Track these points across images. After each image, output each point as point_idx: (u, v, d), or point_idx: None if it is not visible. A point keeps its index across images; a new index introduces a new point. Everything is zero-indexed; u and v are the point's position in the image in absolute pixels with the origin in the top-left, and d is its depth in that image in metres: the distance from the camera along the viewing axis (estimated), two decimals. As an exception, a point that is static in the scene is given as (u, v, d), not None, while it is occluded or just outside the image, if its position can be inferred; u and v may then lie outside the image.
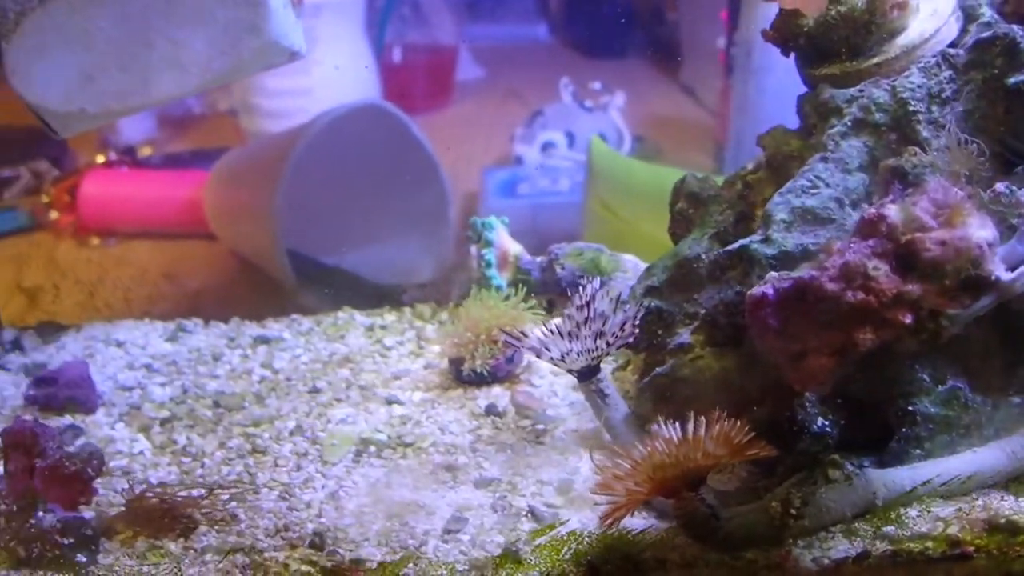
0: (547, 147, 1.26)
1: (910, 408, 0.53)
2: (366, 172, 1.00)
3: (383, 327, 0.76)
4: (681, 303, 0.60)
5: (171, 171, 1.19)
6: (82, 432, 0.63)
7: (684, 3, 1.63)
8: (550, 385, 0.67)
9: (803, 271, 0.47)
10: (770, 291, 0.47)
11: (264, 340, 0.74)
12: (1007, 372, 0.53)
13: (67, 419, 0.64)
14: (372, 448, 0.60)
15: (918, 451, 0.53)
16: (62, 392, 0.65)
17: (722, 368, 0.57)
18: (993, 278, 0.44)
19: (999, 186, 0.47)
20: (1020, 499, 0.52)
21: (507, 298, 0.69)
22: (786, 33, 0.58)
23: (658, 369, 0.59)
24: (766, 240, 0.54)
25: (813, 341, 0.46)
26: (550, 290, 0.75)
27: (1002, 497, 0.52)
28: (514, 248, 0.75)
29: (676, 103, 1.47)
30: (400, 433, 0.62)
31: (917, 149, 0.51)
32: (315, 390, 0.67)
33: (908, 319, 0.45)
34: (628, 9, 1.76)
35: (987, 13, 0.57)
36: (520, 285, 0.71)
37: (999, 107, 0.54)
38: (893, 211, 0.45)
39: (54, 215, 1.11)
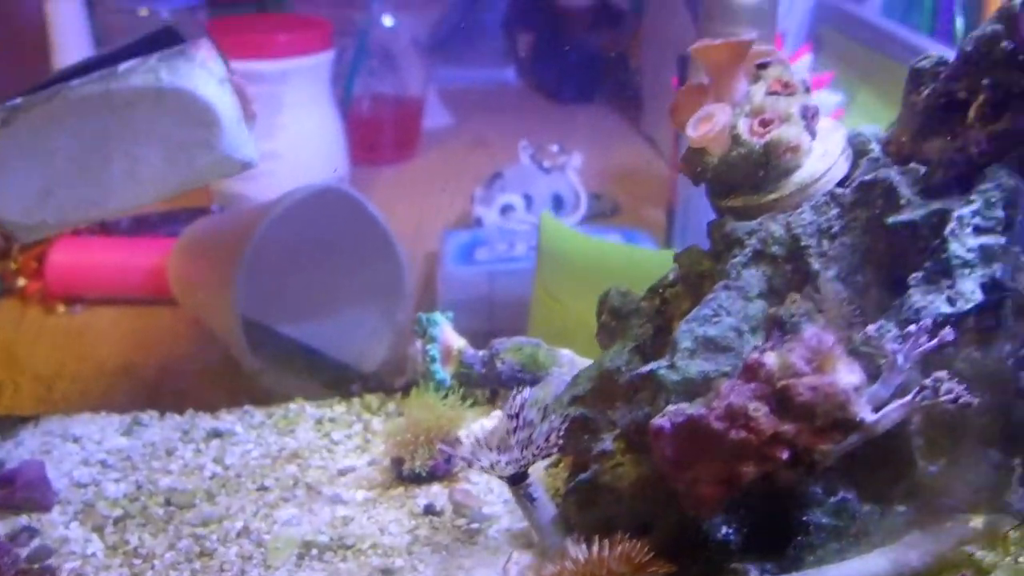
0: (506, 210, 1.30)
1: (804, 519, 0.57)
2: (325, 250, 1.04)
3: (332, 419, 0.80)
4: (605, 411, 0.65)
5: (138, 238, 1.22)
6: (37, 533, 0.66)
7: (646, 50, 1.69)
8: (487, 482, 0.71)
9: (696, 407, 0.52)
10: (667, 424, 0.52)
11: (217, 434, 0.78)
12: (892, 484, 0.58)
13: (23, 519, 0.68)
14: (314, 551, 0.64)
15: (811, 558, 0.58)
16: (19, 493, 0.69)
17: (639, 476, 0.61)
18: (858, 420, 0.49)
19: (870, 329, 0.52)
20: (904, 603, 0.56)
21: (446, 396, 0.73)
22: (694, 167, 0.63)
23: (581, 476, 0.64)
24: (672, 367, 0.58)
25: (703, 472, 0.51)
26: (492, 383, 0.79)
27: (888, 601, 0.56)
28: (457, 343, 0.80)
29: (637, 153, 1.52)
30: (342, 535, 0.66)
31: (797, 296, 0.56)
32: (263, 488, 0.71)
33: (785, 455, 0.50)
34: (594, 54, 1.82)
35: (875, 149, 0.62)
36: (458, 384, 0.75)
37: (881, 242, 0.59)
38: (770, 358, 0.50)
39: (22, 282, 1.15)
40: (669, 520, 0.59)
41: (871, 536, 0.58)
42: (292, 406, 0.82)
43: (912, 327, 0.51)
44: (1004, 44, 0.55)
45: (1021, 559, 0.56)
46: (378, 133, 1.56)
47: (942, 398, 0.50)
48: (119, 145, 0.69)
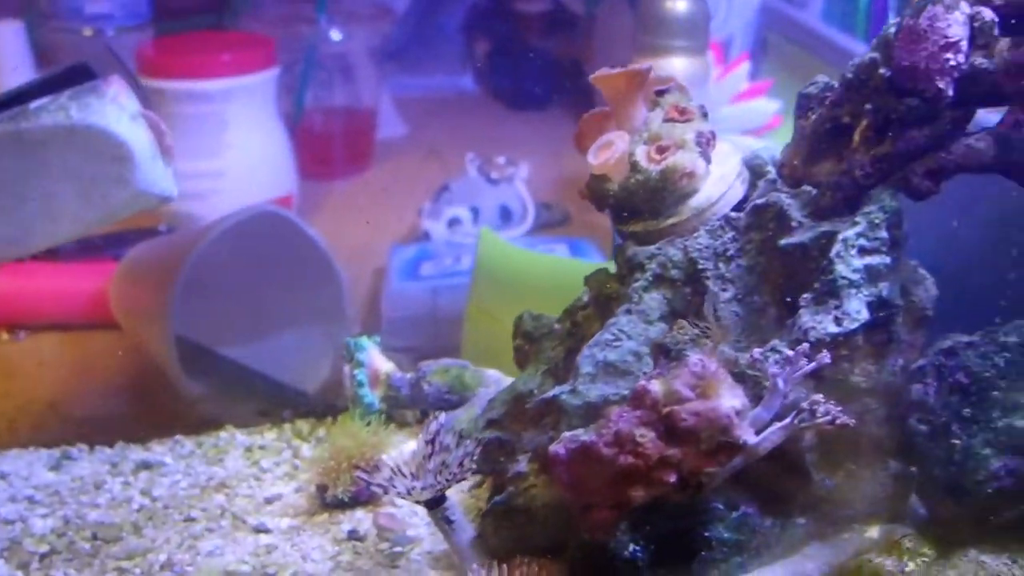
0: (453, 223, 1.31)
1: (707, 534, 0.59)
2: (266, 272, 1.04)
3: (262, 447, 0.81)
4: (520, 433, 0.66)
5: (81, 263, 1.22)
6: (-36, 573, 0.67)
7: (600, 56, 1.70)
8: (412, 505, 0.72)
9: (588, 434, 0.53)
10: (562, 451, 0.53)
11: (146, 465, 0.79)
12: (791, 498, 0.60)
13: (-49, 559, 0.68)
14: (236, 580, 0.65)
15: (715, 572, 0.59)
16: (-53, 533, 0.69)
17: (552, 497, 0.63)
18: (741, 442, 0.51)
19: (755, 353, 0.54)
20: (802, 614, 0.58)
21: (369, 422, 0.74)
22: (596, 194, 0.64)
23: (496, 498, 0.65)
24: (573, 392, 0.60)
25: (596, 496, 0.53)
26: (419, 405, 0.81)
27: (790, 612, 0.58)
28: (385, 366, 0.81)
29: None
30: (264, 563, 0.67)
31: (684, 323, 0.58)
32: (190, 519, 0.72)
33: (672, 478, 0.51)
34: (550, 62, 1.82)
35: (772, 171, 0.64)
36: (387, 407, 0.76)
37: (776, 264, 0.61)
38: (655, 386, 0.51)
39: (-37, 310, 1.14)
40: (580, 540, 0.60)
41: (772, 549, 0.60)
42: (223, 434, 0.83)
43: (788, 352, 0.53)
44: (882, 71, 0.57)
45: (911, 567, 0.58)
46: (330, 147, 1.56)
47: (819, 420, 0.52)
48: (34, 183, 0.70)
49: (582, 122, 0.66)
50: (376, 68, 1.64)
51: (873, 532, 0.60)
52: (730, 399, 0.51)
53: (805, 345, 0.53)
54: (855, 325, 0.57)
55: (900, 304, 0.59)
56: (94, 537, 0.71)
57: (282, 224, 1.04)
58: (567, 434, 0.54)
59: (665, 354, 0.56)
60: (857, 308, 0.57)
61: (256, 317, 1.04)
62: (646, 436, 0.51)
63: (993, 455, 0.57)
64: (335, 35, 1.56)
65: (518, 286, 0.97)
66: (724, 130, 1.16)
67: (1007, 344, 0.58)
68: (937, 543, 0.60)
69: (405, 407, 0.81)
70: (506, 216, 1.34)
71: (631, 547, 0.59)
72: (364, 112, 1.60)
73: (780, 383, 0.52)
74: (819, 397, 0.52)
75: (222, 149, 1.28)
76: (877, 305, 0.58)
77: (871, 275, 0.58)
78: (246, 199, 1.17)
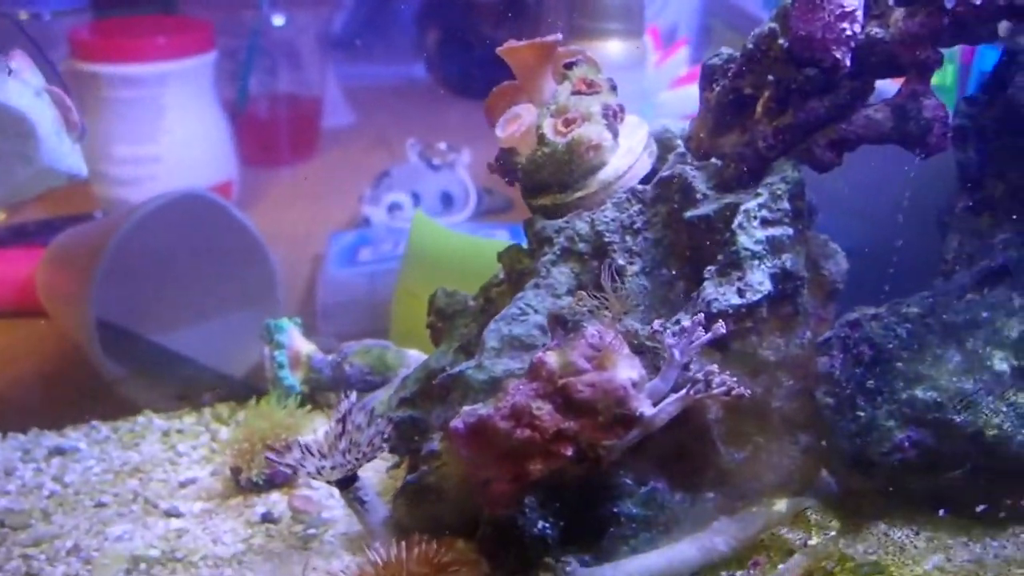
0: (393, 208, 1.30)
1: (615, 510, 0.59)
2: (195, 256, 1.02)
3: (180, 431, 0.79)
4: (431, 412, 0.66)
5: (11, 249, 1.19)
6: None
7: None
8: (329, 487, 0.71)
9: (486, 408, 0.53)
10: (460, 425, 0.53)
11: (60, 451, 0.77)
12: (700, 473, 0.60)
13: None
14: (143, 566, 0.64)
15: (625, 548, 0.59)
16: None
17: (463, 475, 0.62)
18: (637, 414, 0.51)
19: (655, 324, 0.54)
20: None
21: (286, 406, 0.73)
22: (505, 168, 0.64)
23: (408, 477, 0.64)
24: (479, 367, 0.59)
25: (494, 470, 0.52)
26: (341, 387, 0.79)
27: (696, 586, 0.58)
28: (306, 348, 0.80)
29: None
30: (174, 547, 0.65)
31: (584, 294, 0.57)
32: (101, 504, 0.70)
33: (569, 451, 0.51)
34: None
35: (681, 145, 0.64)
36: (309, 390, 0.75)
37: (683, 237, 0.60)
38: (551, 357, 0.51)
39: None
40: (489, 517, 0.59)
41: (682, 524, 0.60)
42: (140, 419, 0.81)
43: (686, 322, 0.53)
44: (781, 41, 0.57)
45: (815, 539, 0.59)
46: (274, 134, 1.54)
47: (715, 391, 0.52)
48: (-60, 161, 0.68)
49: (492, 95, 0.65)
50: (323, 56, 1.62)
51: (781, 506, 0.60)
52: (627, 370, 0.50)
53: (701, 315, 0.53)
54: (758, 296, 0.57)
55: (805, 276, 0.59)
56: (1, 524, 0.69)
57: (213, 209, 1.03)
58: (466, 409, 0.54)
59: (562, 325, 0.55)
60: (760, 280, 0.57)
61: (185, 301, 1.02)
62: (543, 409, 0.50)
63: (896, 427, 0.58)
64: (278, 20, 1.54)
65: (447, 268, 0.96)
66: (663, 115, 1.17)
67: (908, 315, 0.59)
68: (845, 516, 0.61)
69: (327, 389, 0.80)
70: (447, 202, 1.33)
71: (540, 524, 0.59)
72: (310, 99, 1.58)
73: (676, 354, 0.52)
74: (714, 367, 0.52)
75: (158, 134, 1.25)
76: (781, 277, 0.58)
77: (774, 246, 0.58)
78: (183, 185, 1.15)
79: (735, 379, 0.52)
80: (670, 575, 0.58)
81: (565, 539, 0.59)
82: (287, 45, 1.56)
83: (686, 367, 0.52)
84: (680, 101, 1.20)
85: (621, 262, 0.60)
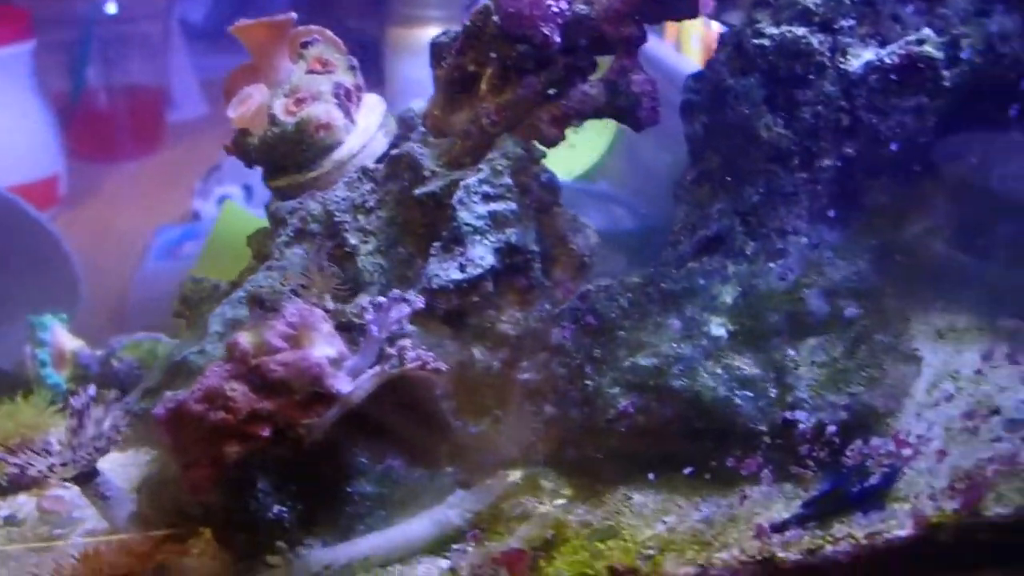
0: (223, 201, 1.26)
1: (350, 490, 0.58)
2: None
3: (-70, 433, 0.75)
4: (178, 401, 0.64)
5: None
6: None
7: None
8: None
9: (184, 392, 0.52)
10: (161, 411, 0.51)
11: None
12: (436, 447, 0.60)
13: None
14: None
15: (361, 527, 0.59)
16: None
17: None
18: (334, 391, 0.50)
19: (362, 301, 0.54)
20: (447, 560, 0.59)
21: (52, 403, 0.70)
22: (241, 149, 0.62)
23: (148, 472, 0.63)
24: (201, 352, 0.58)
25: (194, 454, 0.51)
26: (111, 383, 0.76)
27: (435, 561, 0.59)
28: (72, 344, 0.76)
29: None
30: (-102, 556, 0.62)
31: (289, 274, 0.57)
32: None
33: (266, 432, 0.50)
34: (366, 40, 1.79)
35: (419, 124, 0.64)
36: (75, 387, 0.72)
37: (415, 214, 0.60)
38: (244, 337, 0.50)
39: None
40: (223, 504, 0.58)
41: (420, 499, 0.60)
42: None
43: (381, 299, 0.53)
44: (495, 18, 0.58)
45: (546, 506, 0.60)
46: (111, 127, 1.48)
47: (409, 365, 0.52)
48: None
49: (229, 76, 0.64)
50: (174, 47, 1.56)
51: (516, 476, 0.61)
52: (324, 348, 0.50)
53: (396, 291, 0.53)
54: (479, 271, 0.57)
55: (535, 250, 0.60)
56: None
57: (7, 207, 0.98)
58: (168, 394, 0.52)
59: (260, 305, 0.55)
60: (481, 254, 0.57)
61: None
62: (236, 390, 0.50)
63: (621, 394, 0.59)
64: (111, 8, 1.48)
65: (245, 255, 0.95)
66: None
67: (629, 285, 0.60)
68: (584, 483, 0.62)
69: (99, 385, 0.76)
70: (283, 193, 1.31)
71: (275, 508, 0.58)
72: (154, 91, 1.52)
73: (374, 330, 0.51)
74: (407, 342, 0.52)
75: (-29, 128, 1.18)
76: (507, 251, 0.59)
77: (496, 221, 0.58)
78: (-1, 177, 1.09)
79: (430, 354, 0.52)
80: (404, 549, 0.58)
81: (309, 521, 0.58)
82: (133, 36, 1.50)
83: (390, 343, 0.52)
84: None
85: (354, 241, 0.60)
